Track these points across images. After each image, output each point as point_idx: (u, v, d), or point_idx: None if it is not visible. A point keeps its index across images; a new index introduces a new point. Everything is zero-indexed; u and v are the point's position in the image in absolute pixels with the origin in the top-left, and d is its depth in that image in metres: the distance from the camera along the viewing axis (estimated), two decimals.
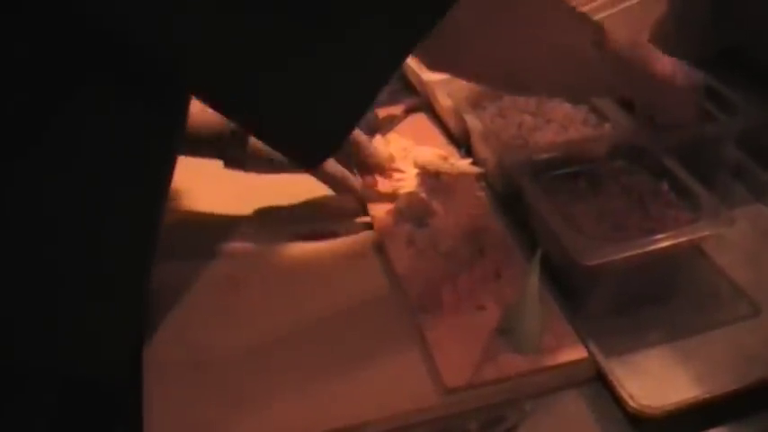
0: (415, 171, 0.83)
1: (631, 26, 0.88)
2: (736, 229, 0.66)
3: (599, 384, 0.62)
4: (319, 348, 0.65)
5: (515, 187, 0.71)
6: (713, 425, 0.59)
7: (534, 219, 0.72)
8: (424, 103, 0.97)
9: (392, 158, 0.86)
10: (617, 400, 0.60)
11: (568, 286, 0.67)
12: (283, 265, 0.74)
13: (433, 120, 0.95)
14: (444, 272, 0.70)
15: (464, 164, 0.82)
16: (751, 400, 0.59)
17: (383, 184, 0.82)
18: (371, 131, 0.92)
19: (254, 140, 0.78)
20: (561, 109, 0.81)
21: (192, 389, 0.61)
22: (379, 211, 0.78)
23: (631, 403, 0.58)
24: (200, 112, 0.76)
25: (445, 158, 0.84)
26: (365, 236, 0.77)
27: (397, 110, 0.97)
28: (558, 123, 0.78)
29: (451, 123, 0.90)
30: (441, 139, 0.91)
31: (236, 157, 0.78)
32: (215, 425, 0.59)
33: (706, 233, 0.63)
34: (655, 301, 0.66)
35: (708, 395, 0.59)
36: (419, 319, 0.66)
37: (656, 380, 0.60)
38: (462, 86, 0.83)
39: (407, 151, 0.86)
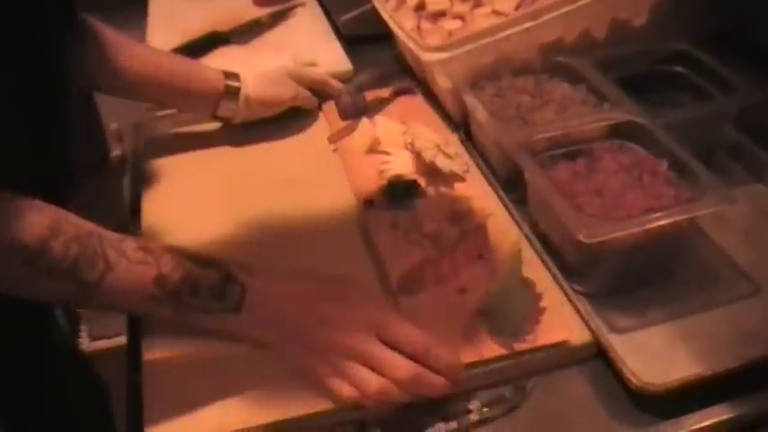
0: (406, 153, 0.83)
1: (629, 7, 0.88)
2: (736, 209, 0.65)
3: (601, 362, 0.62)
4: None
5: (514, 167, 0.71)
6: (715, 402, 0.59)
7: (534, 198, 0.72)
8: (416, 85, 0.96)
9: (378, 141, 0.85)
10: (619, 378, 0.60)
11: (569, 265, 0.67)
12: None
13: (429, 101, 0.94)
14: (427, 254, 0.69)
15: (456, 164, 0.81)
16: (751, 377, 0.59)
17: (369, 165, 0.82)
18: (359, 113, 0.91)
19: (245, 92, 0.87)
20: (560, 89, 0.80)
21: (190, 385, 0.61)
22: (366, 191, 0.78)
23: (634, 381, 0.58)
24: (194, 68, 0.86)
25: (438, 146, 0.83)
26: (349, 218, 0.76)
27: (385, 92, 0.96)
28: (557, 103, 0.78)
29: (450, 104, 0.89)
30: (435, 120, 0.91)
31: (229, 108, 0.87)
32: (212, 416, 0.58)
33: (705, 211, 0.63)
34: (655, 280, 0.66)
35: (709, 372, 0.59)
36: (401, 301, 0.65)
37: (658, 358, 0.60)
38: (461, 67, 0.82)
39: (403, 132, 0.85)
